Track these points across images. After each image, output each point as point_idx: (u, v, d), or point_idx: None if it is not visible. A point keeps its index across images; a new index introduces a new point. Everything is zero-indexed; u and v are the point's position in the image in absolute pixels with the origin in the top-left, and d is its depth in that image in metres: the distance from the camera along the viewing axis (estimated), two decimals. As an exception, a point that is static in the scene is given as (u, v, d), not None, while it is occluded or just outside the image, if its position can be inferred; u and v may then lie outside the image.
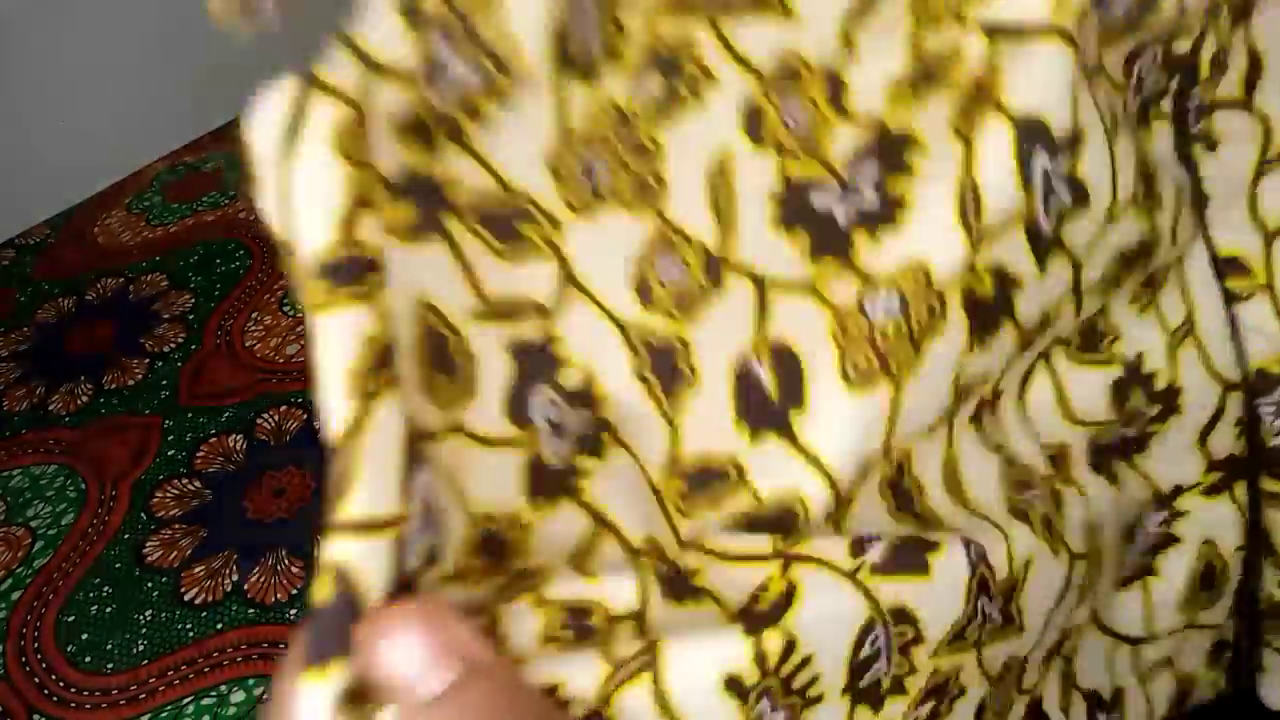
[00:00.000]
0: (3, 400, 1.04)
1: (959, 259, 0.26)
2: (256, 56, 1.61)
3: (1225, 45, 0.32)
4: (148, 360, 1.06)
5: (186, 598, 0.83)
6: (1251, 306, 0.38)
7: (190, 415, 0.99)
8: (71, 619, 0.83)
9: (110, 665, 0.79)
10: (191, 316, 1.10)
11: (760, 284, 0.25)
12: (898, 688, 0.29)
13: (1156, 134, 0.32)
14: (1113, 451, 0.38)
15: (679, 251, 0.24)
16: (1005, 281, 0.28)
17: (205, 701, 0.75)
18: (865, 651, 0.28)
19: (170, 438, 0.97)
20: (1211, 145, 0.33)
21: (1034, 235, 0.28)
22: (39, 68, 1.24)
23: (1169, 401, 0.38)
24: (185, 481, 0.93)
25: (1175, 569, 0.39)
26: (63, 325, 1.13)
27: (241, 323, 1.08)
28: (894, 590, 0.28)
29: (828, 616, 0.28)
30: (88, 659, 0.79)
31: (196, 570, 0.85)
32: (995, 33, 0.26)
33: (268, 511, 0.89)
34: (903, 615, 0.28)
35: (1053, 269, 0.29)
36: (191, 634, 0.80)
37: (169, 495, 0.92)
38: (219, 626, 0.79)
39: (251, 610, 0.80)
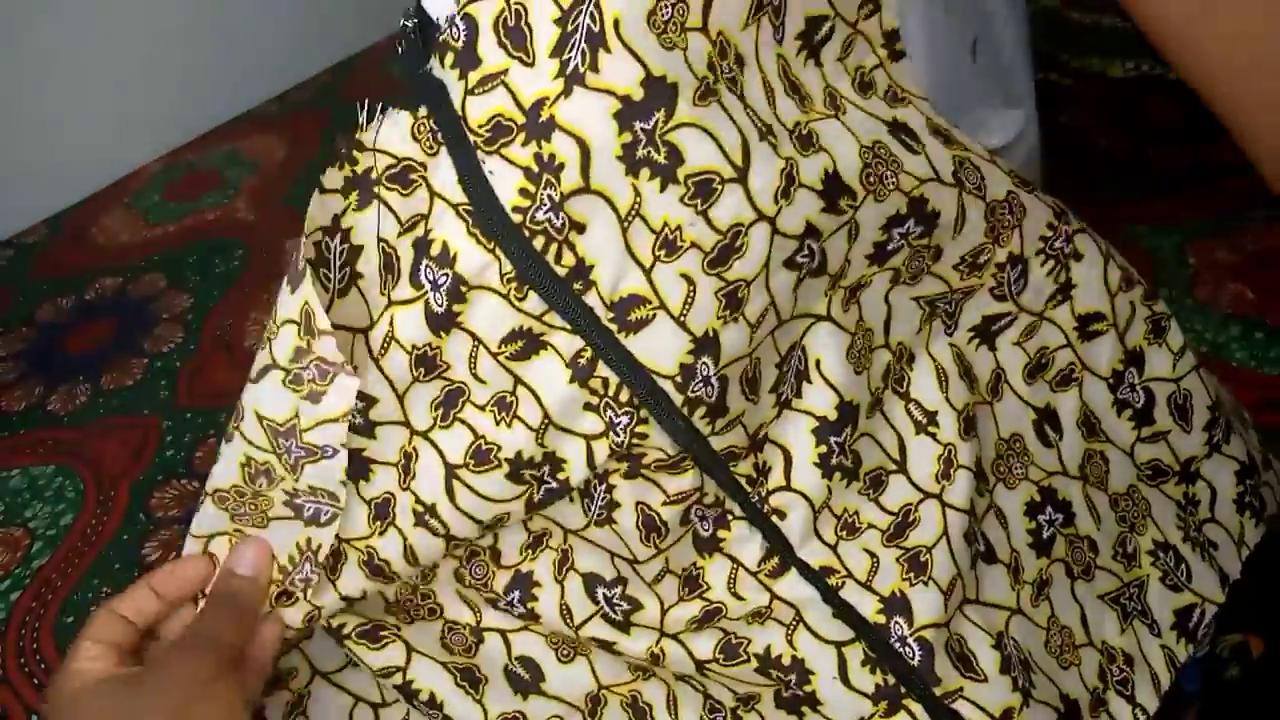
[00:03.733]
0: (1, 400, 1.04)
1: None
2: (254, 54, 1.60)
3: None
4: (146, 360, 1.05)
5: (185, 599, 0.83)
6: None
7: (189, 415, 0.99)
8: (71, 620, 0.83)
9: (109, 666, 0.79)
10: (190, 316, 1.10)
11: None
12: None
13: None
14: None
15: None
16: None
17: (204, 703, 0.75)
18: None
19: (169, 438, 0.97)
20: None
21: None
22: (38, 66, 1.24)
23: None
24: (184, 482, 0.93)
25: None
26: (61, 325, 1.13)
27: (240, 323, 1.08)
28: None
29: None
30: (86, 660, 0.79)
31: (195, 571, 0.85)
32: None
33: (267, 512, 0.89)
34: None
35: None
36: (190, 635, 0.80)
37: (168, 496, 0.92)
38: (218, 627, 0.79)
39: (250, 611, 0.80)
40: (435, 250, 0.41)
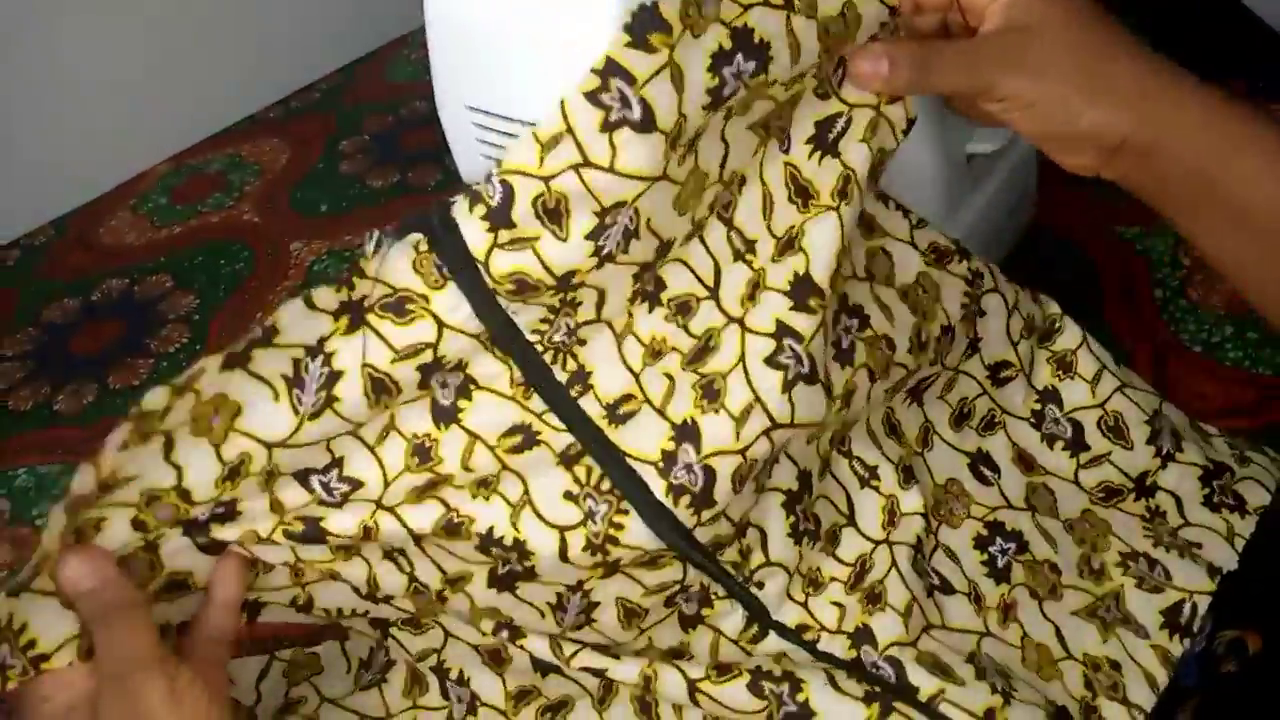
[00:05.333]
0: (8, 400, 1.05)
1: None
2: (259, 59, 1.61)
3: None
4: (153, 361, 1.06)
5: (191, 595, 0.83)
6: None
7: (194, 415, 1.00)
8: (77, 616, 0.83)
9: (116, 661, 0.79)
10: (196, 317, 1.11)
11: None
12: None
13: None
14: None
15: None
16: None
17: (210, 697, 0.75)
18: None
19: (175, 437, 0.98)
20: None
21: None
22: (44, 69, 1.25)
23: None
24: (190, 480, 0.93)
25: None
26: (68, 325, 1.14)
27: (246, 323, 1.09)
28: None
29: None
30: (94, 655, 0.80)
31: (201, 568, 0.85)
32: None
33: (271, 510, 0.89)
34: None
35: None
36: (196, 631, 0.80)
37: (174, 494, 0.93)
38: (223, 623, 0.80)
39: (256, 607, 0.80)
40: (449, 365, 0.44)
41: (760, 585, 0.52)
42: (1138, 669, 0.55)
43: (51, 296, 1.18)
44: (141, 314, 1.13)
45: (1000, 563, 0.57)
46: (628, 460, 0.46)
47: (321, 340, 0.41)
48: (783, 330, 0.47)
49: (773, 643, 0.53)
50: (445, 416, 0.45)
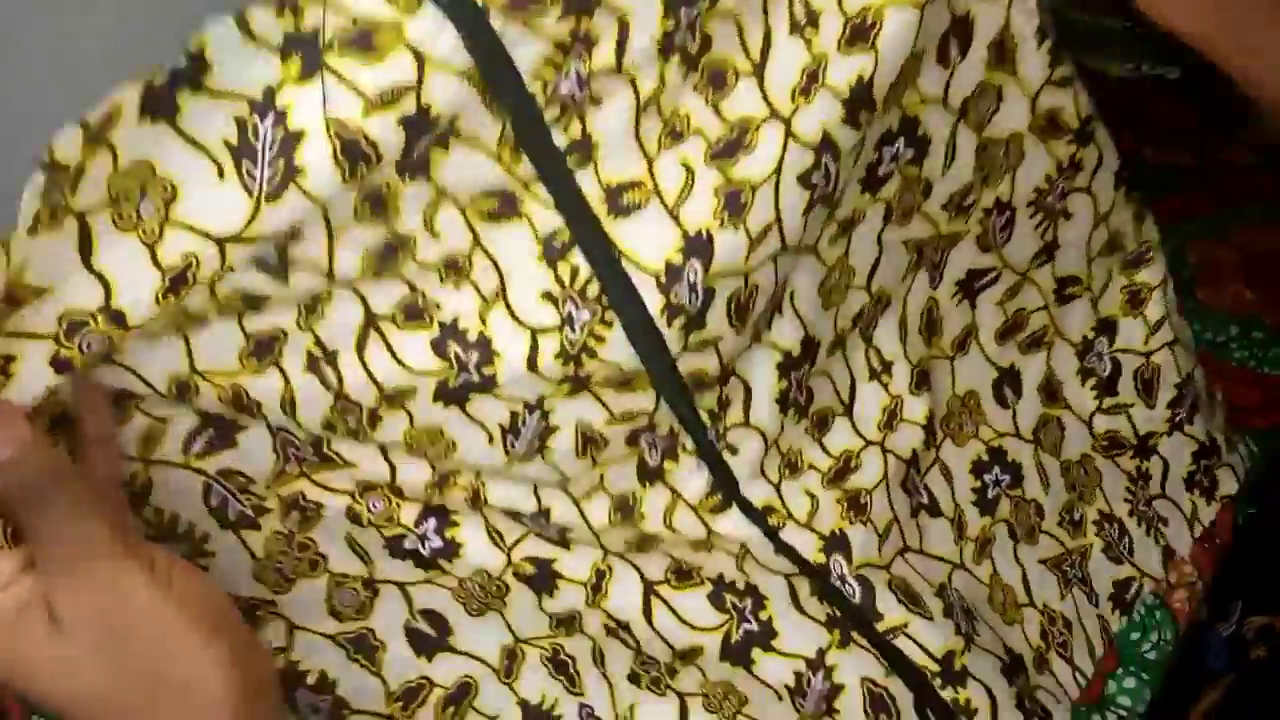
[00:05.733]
0: (0, 400, 1.04)
1: None
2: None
3: None
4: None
5: (184, 599, 0.82)
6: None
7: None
8: (69, 620, 0.82)
9: (108, 667, 0.78)
10: (189, 316, 1.10)
11: None
12: None
13: None
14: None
15: None
16: None
17: (203, 703, 0.75)
18: None
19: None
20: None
21: None
22: (36, 65, 1.24)
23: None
24: (183, 482, 0.92)
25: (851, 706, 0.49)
26: (60, 325, 1.13)
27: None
28: None
29: None
30: (85, 660, 0.79)
31: (194, 571, 0.84)
32: None
33: (266, 512, 0.88)
34: None
35: None
36: (189, 635, 0.79)
37: (167, 496, 0.91)
38: (217, 628, 0.79)
39: (249, 612, 0.80)
40: (440, 123, 0.36)
41: (734, 451, 0.47)
42: (1083, 633, 0.55)
43: (43, 295, 1.17)
44: (134, 313, 1.12)
45: (990, 494, 0.56)
46: (623, 264, 0.40)
47: (270, 91, 0.33)
48: (826, 144, 0.40)
49: (734, 521, 0.48)
50: (411, 168, 0.36)
